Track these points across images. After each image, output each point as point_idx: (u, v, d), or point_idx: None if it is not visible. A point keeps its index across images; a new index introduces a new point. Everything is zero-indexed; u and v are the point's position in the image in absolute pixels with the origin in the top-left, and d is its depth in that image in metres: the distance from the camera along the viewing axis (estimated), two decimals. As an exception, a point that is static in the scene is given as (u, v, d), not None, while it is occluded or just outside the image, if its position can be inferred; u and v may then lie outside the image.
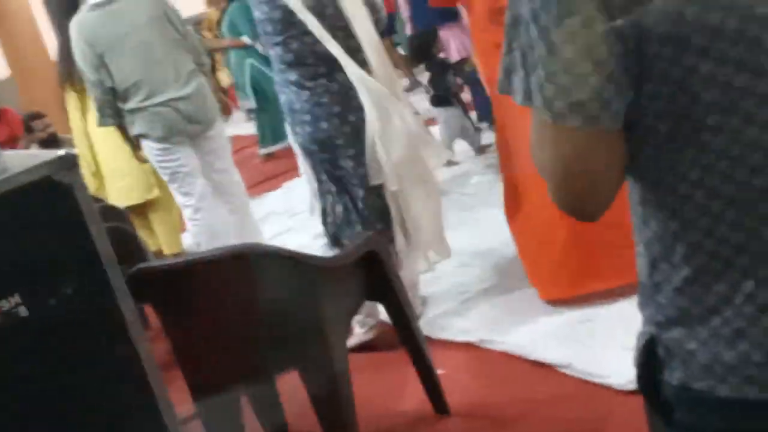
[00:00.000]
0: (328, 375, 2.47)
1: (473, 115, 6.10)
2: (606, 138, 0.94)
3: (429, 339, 3.24)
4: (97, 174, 5.02)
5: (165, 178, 4.40)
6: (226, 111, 5.10)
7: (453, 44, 6.22)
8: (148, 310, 3.45)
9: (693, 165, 0.94)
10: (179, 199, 4.41)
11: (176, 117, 4.24)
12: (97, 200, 4.68)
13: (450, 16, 6.16)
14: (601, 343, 2.98)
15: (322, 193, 3.47)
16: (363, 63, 3.32)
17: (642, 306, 1.08)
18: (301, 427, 2.93)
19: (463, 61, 5.87)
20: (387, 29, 7.01)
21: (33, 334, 1.85)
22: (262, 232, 4.94)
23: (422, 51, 6.01)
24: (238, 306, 2.45)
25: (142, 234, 4.79)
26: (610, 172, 0.97)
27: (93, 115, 4.50)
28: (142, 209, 4.99)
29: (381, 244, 2.91)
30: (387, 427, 2.98)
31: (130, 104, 4.22)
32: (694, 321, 0.99)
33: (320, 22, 3.22)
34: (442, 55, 6.03)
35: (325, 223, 3.49)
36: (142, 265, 2.54)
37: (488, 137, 5.64)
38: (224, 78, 8.99)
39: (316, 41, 3.25)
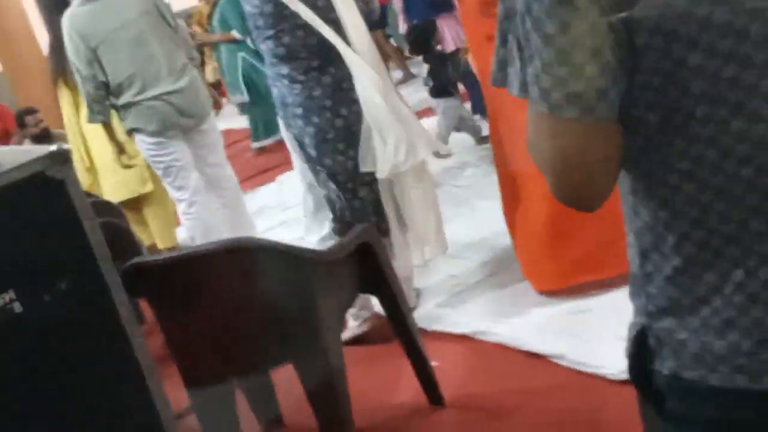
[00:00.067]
0: (323, 368, 2.48)
1: (467, 106, 6.12)
2: (603, 128, 0.94)
3: (423, 331, 3.25)
4: (91, 169, 5.02)
5: (159, 172, 4.39)
6: (216, 105, 5.09)
7: (448, 34, 6.22)
8: (143, 304, 3.46)
9: (682, 156, 0.94)
10: (173, 193, 4.41)
11: (170, 111, 4.24)
12: (90, 195, 4.68)
13: (444, 6, 6.16)
14: (595, 334, 2.99)
15: (322, 183, 3.47)
16: None
17: (633, 296, 1.09)
18: (296, 421, 2.95)
19: (458, 51, 5.87)
20: (379, 21, 7.01)
21: (28, 330, 1.86)
22: (256, 226, 4.94)
23: (421, 43, 6.01)
24: (233, 300, 2.46)
25: (136, 229, 4.79)
26: (608, 162, 0.97)
27: (86, 110, 4.49)
28: (136, 204, 4.99)
29: (374, 236, 2.91)
30: (382, 420, 2.99)
31: (124, 99, 4.22)
32: (684, 311, 1.00)
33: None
34: (439, 46, 6.03)
35: (333, 210, 3.47)
36: (136, 259, 2.54)
37: (483, 128, 5.65)
38: (209, 72, 8.96)
39: (308, 35, 3.25)
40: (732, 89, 0.89)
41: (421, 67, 7.14)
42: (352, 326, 3.52)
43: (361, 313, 3.52)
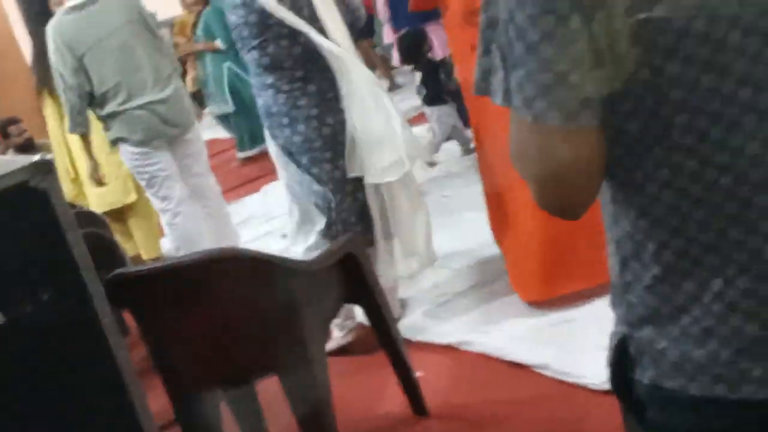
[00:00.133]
0: (307, 378, 2.48)
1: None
2: (587, 135, 0.94)
3: (408, 341, 3.25)
4: (76, 180, 5.00)
5: (143, 182, 4.38)
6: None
7: (436, 42, 6.24)
8: (127, 315, 3.44)
9: (662, 164, 0.95)
10: (157, 203, 4.40)
11: (155, 120, 4.23)
12: (74, 206, 4.66)
13: (430, 15, 6.18)
14: (578, 344, 3.00)
15: (309, 190, 3.47)
16: None
17: (614, 305, 1.09)
18: (280, 432, 2.94)
19: (447, 58, 5.88)
20: (366, 30, 7.02)
21: (9, 341, 1.84)
22: (240, 236, 4.93)
23: (413, 51, 6.01)
24: (217, 311, 2.45)
25: (120, 239, 4.78)
26: (591, 170, 0.97)
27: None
28: (120, 214, 4.97)
29: (359, 246, 2.91)
30: (366, 430, 2.99)
31: (109, 108, 4.20)
32: (664, 320, 1.01)
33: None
34: (429, 54, 6.04)
35: (329, 217, 3.47)
36: (119, 270, 2.53)
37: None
38: (189, 82, 8.93)
39: (293, 44, 3.26)
40: (710, 98, 0.90)
41: (406, 77, 7.16)
42: (337, 336, 3.52)
43: (346, 324, 3.52)
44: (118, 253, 3.84)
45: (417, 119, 6.37)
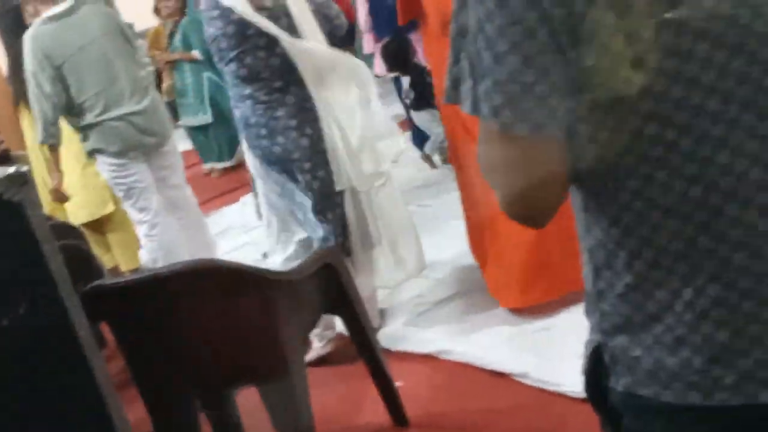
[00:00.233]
0: (287, 389, 2.47)
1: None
2: (552, 145, 0.95)
3: (387, 351, 3.25)
4: (55, 192, 4.95)
5: (120, 194, 4.35)
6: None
7: (419, 50, 6.25)
8: (105, 327, 3.42)
9: (632, 174, 0.96)
10: (134, 215, 4.37)
11: (132, 131, 4.21)
12: (49, 218, 4.62)
13: (412, 25, 6.18)
14: (558, 352, 3.01)
15: (290, 200, 3.48)
16: None
17: (588, 314, 1.10)
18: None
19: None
20: (348, 38, 7.00)
21: (-15, 355, 1.83)
22: (218, 247, 4.92)
23: (400, 57, 5.99)
24: (195, 322, 2.44)
25: (98, 251, 4.74)
26: (556, 179, 0.98)
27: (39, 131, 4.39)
28: (98, 225, 4.94)
29: (337, 257, 2.91)
30: (346, 441, 2.99)
31: (86, 119, 4.17)
32: (637, 328, 1.01)
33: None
34: (415, 59, 6.04)
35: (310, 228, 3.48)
36: (96, 282, 2.52)
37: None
38: (165, 92, 8.88)
39: (270, 55, 3.26)
40: (679, 110, 0.91)
41: (385, 87, 7.15)
42: (317, 347, 3.51)
43: (325, 334, 3.51)
44: (95, 264, 3.82)
45: (399, 126, 6.37)
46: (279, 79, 3.30)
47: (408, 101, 5.93)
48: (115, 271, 4.82)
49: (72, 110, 4.18)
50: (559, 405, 2.77)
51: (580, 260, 1.11)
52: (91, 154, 4.28)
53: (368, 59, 8.26)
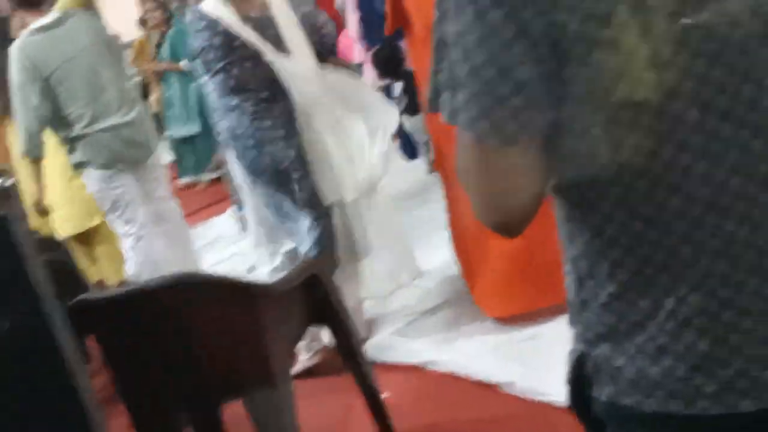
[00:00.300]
0: (273, 402, 2.46)
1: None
2: (526, 156, 0.96)
3: (374, 362, 3.25)
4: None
5: (105, 207, 4.33)
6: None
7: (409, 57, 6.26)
8: (91, 342, 3.41)
9: (614, 184, 0.96)
10: (120, 228, 4.35)
11: (120, 144, 4.20)
12: (33, 233, 4.60)
13: (401, 33, 6.18)
14: (544, 361, 3.01)
15: (278, 211, 3.47)
16: None
17: (572, 323, 1.10)
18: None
19: None
20: (337, 48, 6.99)
21: (-31, 371, 1.82)
22: (207, 258, 4.91)
23: (391, 63, 5.99)
24: (181, 335, 2.43)
25: (84, 263, 4.72)
26: (531, 189, 0.99)
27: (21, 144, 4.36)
28: (84, 238, 4.92)
29: (323, 267, 2.91)
30: (334, 453, 2.98)
31: (74, 131, 4.16)
32: (620, 337, 1.02)
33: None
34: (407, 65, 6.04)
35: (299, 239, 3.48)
36: (81, 296, 2.51)
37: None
38: (154, 103, 8.87)
39: (257, 65, 3.26)
40: (659, 119, 0.91)
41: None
42: (303, 358, 3.51)
43: (312, 345, 3.51)
44: (81, 279, 3.81)
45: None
46: (266, 89, 3.30)
47: (401, 107, 5.93)
48: (101, 284, 4.80)
49: (59, 122, 4.16)
50: (546, 414, 2.77)
51: (563, 270, 1.11)
52: (78, 166, 4.27)
53: (357, 68, 8.26)
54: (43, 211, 4.39)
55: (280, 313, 2.60)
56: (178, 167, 8.05)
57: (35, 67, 4.04)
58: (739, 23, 0.90)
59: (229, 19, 3.22)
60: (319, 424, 3.02)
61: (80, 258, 4.73)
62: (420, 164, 5.92)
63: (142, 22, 8.09)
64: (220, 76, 3.31)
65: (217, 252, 5.60)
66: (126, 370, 2.50)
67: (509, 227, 1.02)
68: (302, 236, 3.41)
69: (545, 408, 2.80)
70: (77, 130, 4.15)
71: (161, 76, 7.86)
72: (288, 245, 3.51)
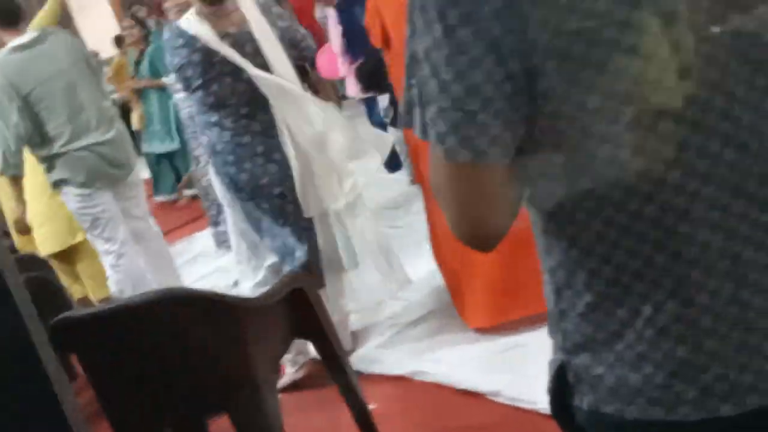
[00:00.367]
0: (258, 416, 2.46)
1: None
2: (497, 172, 0.97)
3: (360, 373, 3.25)
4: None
5: (85, 224, 4.31)
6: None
7: None
8: (75, 359, 3.39)
9: (588, 194, 0.97)
10: (101, 245, 4.34)
11: (99, 162, 4.20)
12: (14, 251, 4.59)
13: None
14: (530, 369, 3.01)
15: (258, 227, 3.47)
16: None
17: (551, 333, 1.11)
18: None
19: None
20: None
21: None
22: (187, 275, 4.90)
23: (375, 75, 5.99)
24: (165, 351, 2.42)
25: (67, 281, 4.71)
26: (503, 204, 1.00)
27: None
28: (67, 255, 4.90)
29: (307, 281, 2.91)
30: (322, 466, 2.97)
31: (53, 149, 4.15)
32: (599, 346, 1.03)
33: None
34: None
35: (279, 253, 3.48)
36: (64, 314, 2.50)
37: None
38: (136, 120, 8.85)
39: (236, 81, 3.26)
40: (630, 129, 0.92)
41: (354, 109, 7.16)
42: (289, 372, 3.50)
43: (298, 359, 3.50)
44: (64, 296, 3.79)
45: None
46: (245, 105, 3.30)
47: (387, 120, 5.92)
48: (84, 301, 4.79)
49: (37, 140, 4.15)
50: (533, 422, 2.78)
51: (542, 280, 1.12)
52: (57, 185, 4.25)
53: (339, 81, 8.26)
54: (24, 230, 4.36)
55: (263, 328, 2.60)
56: (155, 184, 8.04)
57: (13, 86, 4.04)
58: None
59: (208, 35, 3.22)
60: (306, 437, 3.02)
61: (63, 275, 4.71)
62: (403, 175, 5.93)
63: (118, 40, 8.07)
64: (199, 93, 3.31)
65: (200, 267, 5.59)
66: (110, 386, 2.49)
67: (483, 242, 1.03)
68: (283, 251, 3.41)
69: (532, 415, 2.80)
70: (56, 148, 4.14)
71: (141, 93, 7.85)
72: (270, 259, 3.50)
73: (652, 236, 0.96)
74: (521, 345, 3.26)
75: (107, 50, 8.31)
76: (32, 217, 4.73)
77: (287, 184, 3.35)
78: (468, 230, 1.01)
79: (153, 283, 4.21)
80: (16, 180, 4.23)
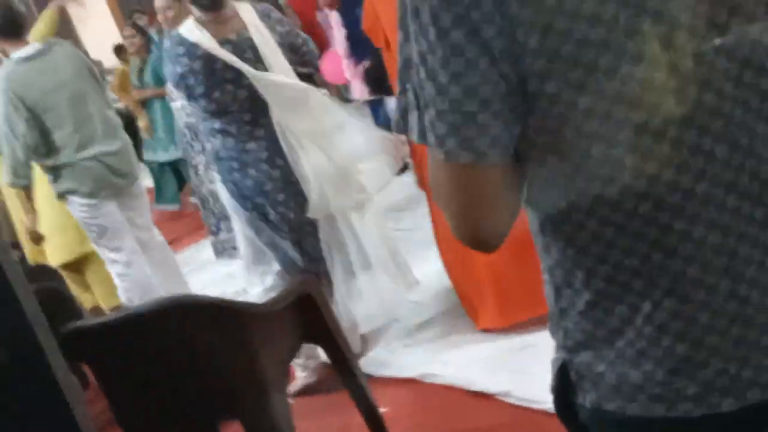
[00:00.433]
0: (267, 420, 2.47)
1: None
2: (497, 172, 0.98)
3: (371, 377, 3.25)
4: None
5: (92, 235, 4.33)
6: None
7: None
8: (87, 368, 3.40)
9: (583, 193, 0.97)
10: (108, 255, 4.36)
11: (105, 172, 4.22)
12: (23, 261, 4.61)
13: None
14: (540, 369, 3.00)
15: (265, 233, 3.48)
16: None
17: (552, 332, 1.12)
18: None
19: None
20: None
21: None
22: (195, 282, 4.92)
23: (380, 79, 6.00)
24: (175, 358, 2.44)
25: (78, 291, 4.73)
26: (504, 204, 1.00)
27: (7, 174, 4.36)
28: (76, 265, 4.92)
29: (314, 286, 2.92)
30: (333, 470, 2.98)
31: (59, 159, 4.17)
32: (600, 343, 1.03)
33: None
34: None
35: (281, 259, 3.49)
36: (75, 323, 2.51)
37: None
38: (144, 130, 8.85)
39: (238, 88, 3.27)
40: (622, 128, 0.93)
41: (358, 113, 7.15)
42: (300, 377, 3.51)
43: (308, 363, 3.51)
44: (74, 305, 3.81)
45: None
46: (248, 111, 3.31)
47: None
48: (96, 310, 4.80)
49: (44, 150, 4.17)
50: (543, 422, 2.77)
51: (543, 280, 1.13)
52: (62, 195, 4.27)
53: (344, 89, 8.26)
54: (37, 239, 4.39)
55: (270, 333, 2.61)
56: (157, 193, 8.04)
57: (20, 97, 4.06)
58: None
59: (208, 42, 3.23)
60: (318, 441, 3.02)
61: (73, 285, 4.73)
62: (409, 177, 5.93)
63: (118, 50, 8.06)
64: (202, 101, 3.31)
65: (208, 274, 5.60)
66: (121, 393, 2.50)
67: (485, 243, 1.03)
68: (284, 262, 3.42)
69: (542, 416, 2.80)
70: (63, 158, 4.16)
71: (145, 103, 7.86)
72: (277, 265, 3.51)
73: (648, 234, 0.96)
74: (530, 345, 3.26)
75: (109, 59, 8.31)
76: (42, 227, 4.75)
77: (291, 190, 3.35)
78: (469, 232, 1.02)
79: (161, 291, 4.23)
80: (27, 190, 4.26)
